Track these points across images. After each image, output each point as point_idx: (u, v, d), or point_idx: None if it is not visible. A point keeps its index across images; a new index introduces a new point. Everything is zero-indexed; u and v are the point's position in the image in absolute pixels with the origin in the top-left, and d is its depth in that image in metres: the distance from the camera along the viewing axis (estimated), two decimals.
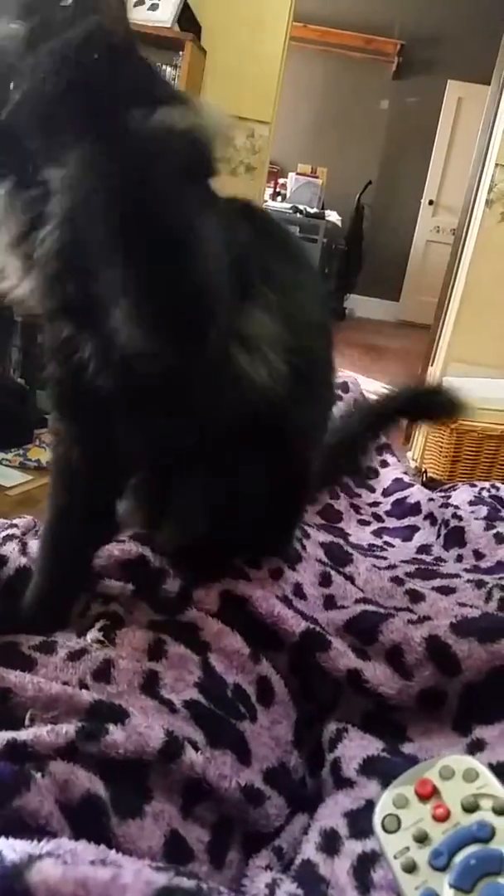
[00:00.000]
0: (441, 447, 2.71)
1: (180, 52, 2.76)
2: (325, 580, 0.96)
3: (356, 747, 0.72)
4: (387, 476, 1.61)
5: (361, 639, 0.82)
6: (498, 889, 0.44)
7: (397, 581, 0.99)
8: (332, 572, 0.97)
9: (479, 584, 0.96)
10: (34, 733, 0.59)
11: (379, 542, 1.31)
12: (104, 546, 0.86)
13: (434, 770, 0.52)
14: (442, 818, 0.49)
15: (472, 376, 3.02)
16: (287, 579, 0.90)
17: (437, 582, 1.00)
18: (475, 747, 0.69)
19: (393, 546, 1.30)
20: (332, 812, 0.66)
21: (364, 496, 1.51)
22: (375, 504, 1.50)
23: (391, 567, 1.07)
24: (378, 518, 1.44)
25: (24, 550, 0.88)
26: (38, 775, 0.57)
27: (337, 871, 0.58)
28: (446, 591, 0.97)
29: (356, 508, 1.44)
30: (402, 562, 1.13)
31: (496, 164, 2.95)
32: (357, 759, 0.70)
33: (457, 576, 1.03)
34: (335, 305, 7.05)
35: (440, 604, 0.90)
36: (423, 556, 1.23)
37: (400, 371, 5.18)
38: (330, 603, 0.92)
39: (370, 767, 0.69)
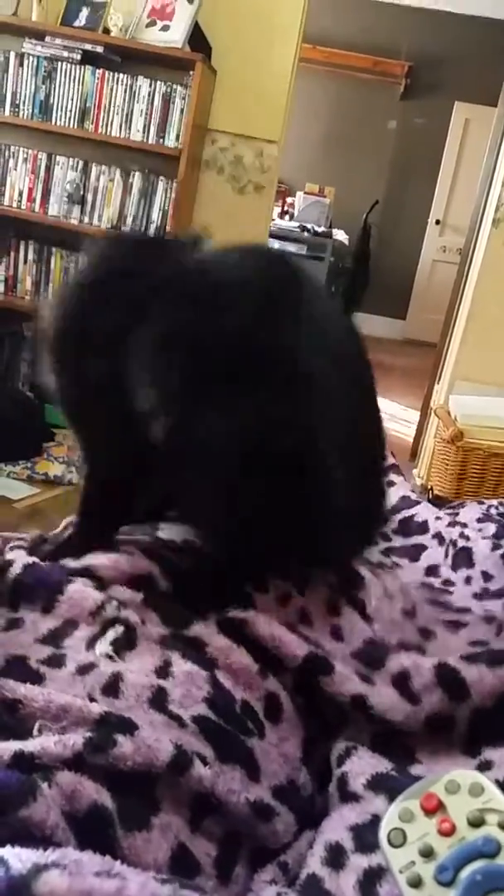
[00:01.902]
0: (447, 465, 2.71)
1: (191, 73, 2.80)
2: (332, 609, 0.94)
3: (364, 764, 0.72)
4: (393, 494, 1.61)
5: (367, 665, 0.82)
6: None
7: (408, 614, 0.98)
8: (342, 598, 0.96)
9: (489, 620, 0.96)
10: (41, 744, 0.59)
11: (388, 561, 1.31)
12: (113, 557, 0.87)
13: (440, 784, 0.52)
14: (448, 833, 0.49)
15: (479, 394, 3.03)
16: (293, 605, 0.90)
17: (448, 616, 1.00)
18: (483, 767, 0.69)
19: (401, 567, 1.29)
20: (338, 826, 0.66)
21: None
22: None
23: (403, 591, 1.07)
24: (385, 537, 1.44)
25: (30, 555, 0.89)
26: (45, 785, 0.57)
27: (342, 886, 0.58)
28: (457, 626, 0.96)
29: None
30: (413, 588, 1.13)
31: (503, 185, 2.97)
32: (364, 776, 0.70)
33: (468, 609, 1.02)
34: None
35: (450, 643, 0.90)
36: (433, 580, 1.23)
37: (406, 389, 5.19)
38: (336, 633, 0.91)
39: (377, 783, 0.69)
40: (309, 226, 6.28)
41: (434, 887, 0.47)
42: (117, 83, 2.86)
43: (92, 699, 0.69)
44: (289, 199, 6.89)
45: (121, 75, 2.84)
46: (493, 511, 1.45)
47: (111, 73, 2.85)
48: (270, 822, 0.68)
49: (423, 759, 0.74)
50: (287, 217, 6.70)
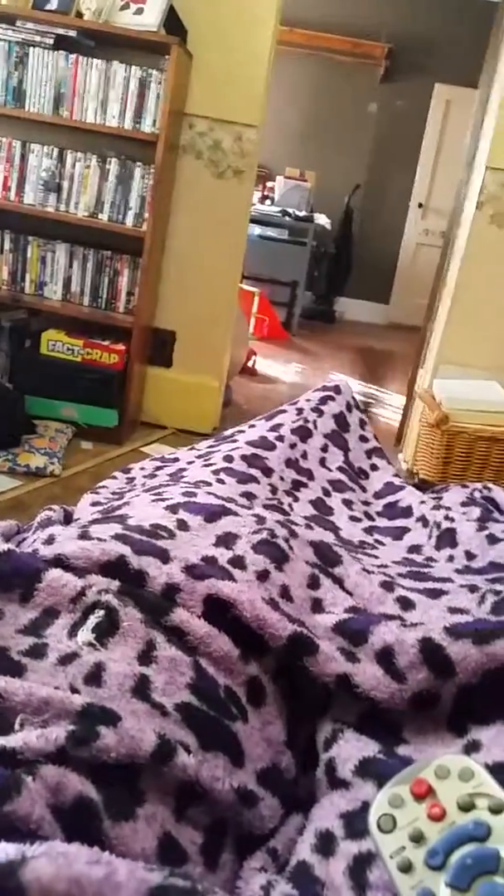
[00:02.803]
0: (432, 449, 2.71)
1: (166, 57, 2.76)
2: (313, 582, 0.94)
3: (351, 748, 0.71)
4: (377, 479, 1.61)
5: (351, 640, 0.81)
6: (495, 887, 0.44)
7: (387, 587, 0.98)
8: (321, 574, 0.96)
9: (472, 589, 0.95)
10: (23, 738, 0.58)
11: (370, 539, 1.30)
12: (83, 545, 0.85)
13: (429, 770, 0.51)
14: (438, 817, 0.48)
15: (463, 378, 3.03)
16: (274, 581, 0.89)
17: (429, 584, 0.99)
18: (471, 748, 0.69)
19: (384, 544, 1.29)
20: (328, 813, 0.66)
21: (357, 492, 1.51)
22: (367, 503, 1.50)
23: (382, 567, 1.07)
24: (369, 517, 1.44)
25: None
26: (29, 779, 0.56)
27: (332, 872, 0.58)
28: (437, 593, 0.96)
29: (348, 504, 1.44)
30: (394, 562, 1.13)
31: (486, 167, 2.96)
32: (352, 761, 0.69)
33: (448, 579, 1.02)
34: (325, 308, 7.07)
35: (432, 612, 0.90)
36: (414, 556, 1.23)
37: (391, 374, 5.19)
38: (318, 607, 0.91)
39: (365, 769, 0.68)
40: (290, 210, 6.25)
41: (424, 872, 0.46)
42: (92, 68, 2.81)
43: (74, 689, 0.68)
44: (269, 184, 6.85)
45: (95, 60, 2.80)
46: (476, 495, 1.45)
47: (85, 58, 2.80)
48: (255, 808, 0.67)
49: (410, 739, 0.74)
50: (268, 202, 6.67)
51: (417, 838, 0.47)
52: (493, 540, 1.18)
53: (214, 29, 2.94)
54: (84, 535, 0.89)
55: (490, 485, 1.50)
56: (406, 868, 0.47)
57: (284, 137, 6.92)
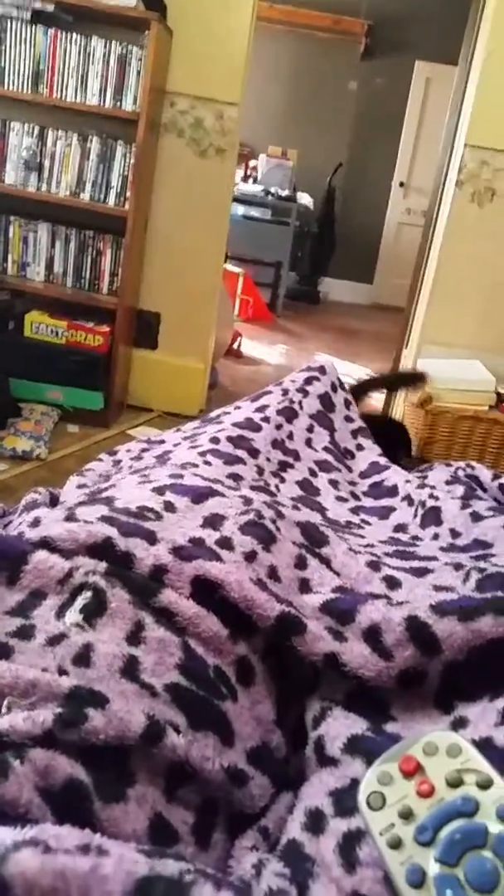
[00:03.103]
0: (416, 429, 2.72)
1: (146, 32, 2.72)
2: (300, 562, 0.95)
3: (340, 726, 0.72)
4: (363, 459, 1.61)
5: (338, 619, 0.81)
6: (483, 861, 0.44)
7: (374, 566, 0.98)
8: (308, 555, 0.96)
9: (457, 567, 0.96)
10: (10, 721, 0.58)
11: (356, 519, 1.31)
12: (69, 527, 0.85)
13: (418, 747, 0.51)
14: (426, 794, 0.48)
15: (447, 357, 3.04)
16: (261, 562, 0.89)
17: (415, 563, 1.00)
18: (458, 724, 0.69)
19: (370, 524, 1.30)
20: (317, 791, 0.66)
21: (343, 472, 1.51)
22: (353, 483, 1.50)
23: (368, 546, 1.07)
24: (355, 497, 1.44)
25: None
26: (17, 763, 0.56)
27: (322, 850, 0.58)
28: (423, 572, 0.96)
29: (334, 484, 1.44)
30: (380, 542, 1.13)
31: (466, 145, 2.95)
32: (341, 738, 0.70)
33: (434, 558, 1.03)
34: (309, 289, 7.05)
35: (417, 590, 0.90)
36: (400, 535, 1.23)
37: (375, 354, 5.19)
38: (305, 587, 0.91)
39: (354, 746, 0.68)
40: (273, 189, 6.21)
41: (414, 848, 0.47)
42: (71, 44, 2.77)
43: (63, 671, 0.68)
44: (252, 163, 6.80)
45: (74, 35, 2.76)
46: (460, 473, 1.45)
47: (64, 33, 2.76)
48: (245, 787, 0.68)
49: (398, 716, 0.74)
50: (251, 181, 6.62)
51: (406, 815, 0.48)
52: (476, 518, 1.19)
53: (194, 4, 2.90)
54: (70, 518, 0.89)
55: (473, 463, 1.50)
56: (395, 845, 0.47)
57: (266, 115, 6.87)
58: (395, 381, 2.90)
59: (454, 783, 0.48)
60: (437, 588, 0.90)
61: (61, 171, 2.91)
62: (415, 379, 2.65)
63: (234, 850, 0.65)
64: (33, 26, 2.77)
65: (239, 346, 4.69)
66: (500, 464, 2.71)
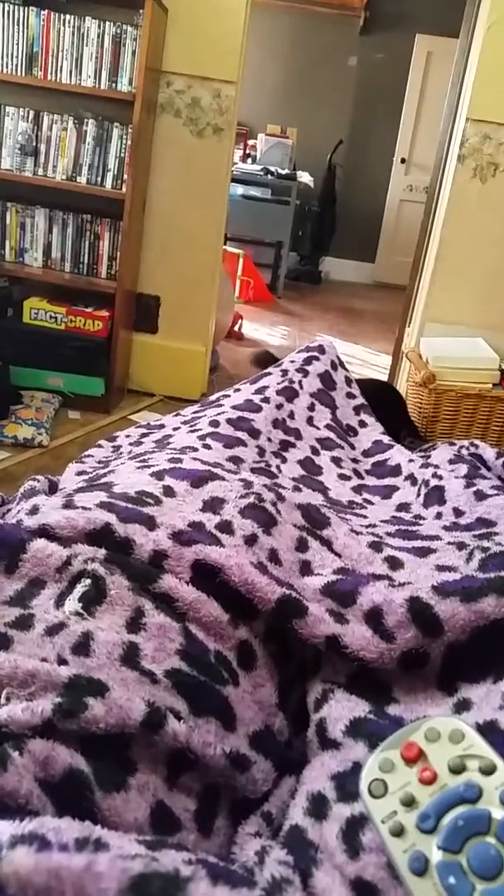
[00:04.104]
0: (420, 407, 2.70)
1: (140, 11, 2.68)
2: (301, 545, 0.94)
3: (342, 709, 0.71)
4: (366, 437, 1.60)
5: (339, 601, 0.81)
6: (486, 848, 0.44)
7: (376, 547, 0.97)
8: (309, 537, 0.95)
9: (460, 546, 0.95)
10: (9, 712, 0.58)
11: (359, 498, 1.30)
12: (68, 514, 0.84)
13: (420, 733, 0.51)
14: (429, 781, 0.48)
15: (450, 335, 3.01)
16: (262, 545, 0.88)
17: (417, 543, 0.99)
18: (462, 707, 0.69)
19: (373, 503, 1.29)
20: (319, 775, 0.65)
21: (346, 450, 1.50)
22: (356, 461, 1.49)
23: (370, 526, 1.06)
24: (358, 475, 1.43)
25: None
26: (16, 754, 0.55)
27: (326, 836, 0.58)
28: (426, 552, 0.95)
29: (337, 462, 1.43)
30: (382, 521, 1.12)
31: (467, 119, 2.91)
32: (343, 721, 0.69)
33: (437, 537, 1.02)
34: (310, 269, 7.00)
35: (420, 571, 0.89)
36: (403, 514, 1.22)
37: (378, 334, 5.16)
38: (306, 569, 0.91)
39: (356, 729, 0.68)
40: (272, 168, 6.15)
41: (416, 835, 0.46)
42: (64, 25, 2.73)
43: (62, 660, 0.67)
44: (250, 142, 6.74)
45: (67, 16, 2.72)
46: (464, 452, 1.44)
47: (57, 15, 2.72)
48: (248, 772, 0.67)
49: (401, 698, 0.74)
50: (250, 160, 6.56)
51: (409, 802, 0.47)
52: (480, 496, 1.18)
53: None
54: (69, 505, 0.88)
55: (477, 442, 1.49)
56: (398, 832, 0.46)
57: (264, 94, 6.79)
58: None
59: (457, 769, 0.47)
60: (440, 568, 0.89)
61: (57, 155, 2.88)
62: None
63: (238, 836, 0.64)
64: (25, 8, 2.73)
65: (240, 328, 4.66)
66: (503, 441, 2.69)
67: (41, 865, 0.42)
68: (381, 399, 1.76)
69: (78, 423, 2.84)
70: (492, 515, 1.11)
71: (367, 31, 6.83)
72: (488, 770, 0.47)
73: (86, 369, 2.92)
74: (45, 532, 0.82)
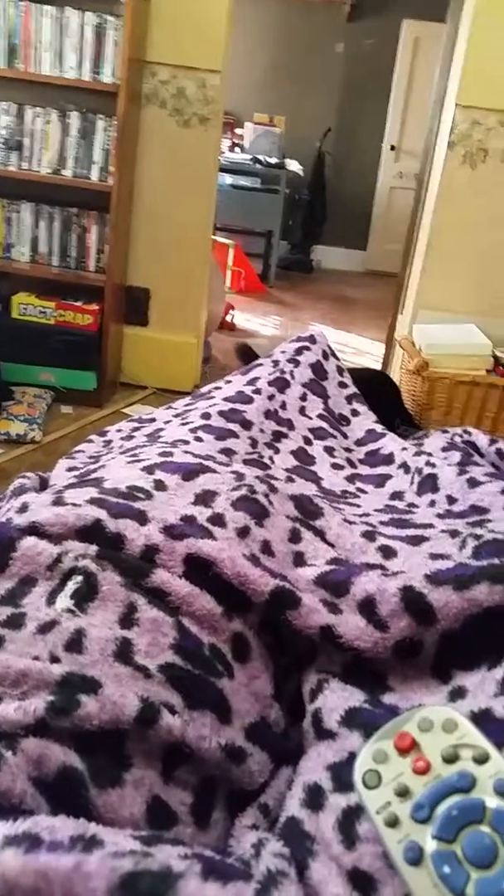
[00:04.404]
0: (414, 396, 2.70)
1: (121, 0, 2.66)
2: (294, 536, 0.93)
3: (337, 699, 0.71)
4: (359, 426, 1.60)
5: (333, 591, 0.80)
6: (480, 837, 0.44)
7: (369, 536, 0.97)
8: (302, 528, 0.95)
9: (453, 534, 0.95)
10: (1, 712, 0.57)
11: (352, 488, 1.30)
12: (58, 511, 0.83)
13: (412, 723, 0.50)
14: (422, 771, 0.48)
15: (442, 322, 3.00)
16: (254, 537, 0.88)
17: (411, 531, 0.99)
18: (456, 695, 0.69)
19: (366, 492, 1.29)
20: (316, 765, 0.65)
21: (339, 439, 1.50)
22: (349, 450, 1.49)
23: (364, 515, 1.06)
24: (351, 464, 1.43)
25: None
26: (10, 754, 0.55)
27: (322, 827, 0.57)
28: (419, 540, 0.95)
29: (329, 451, 1.43)
30: (376, 510, 1.12)
31: (456, 105, 2.89)
32: (338, 711, 0.69)
33: (430, 525, 1.01)
34: (301, 258, 6.98)
35: (413, 559, 0.89)
36: (396, 503, 1.22)
37: (370, 322, 5.15)
38: (300, 560, 0.90)
39: (351, 719, 0.68)
40: (261, 157, 6.12)
41: (411, 826, 0.46)
42: (44, 16, 2.70)
43: (55, 658, 0.67)
44: (238, 131, 6.70)
45: (46, 7, 2.69)
46: (457, 439, 1.44)
47: (36, 6, 2.69)
48: (244, 764, 0.67)
49: (396, 687, 0.74)
50: (238, 149, 6.52)
51: (403, 793, 0.47)
52: (473, 483, 1.18)
53: None
54: (58, 501, 0.87)
55: (470, 429, 1.49)
56: (392, 823, 0.46)
57: (251, 82, 6.75)
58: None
59: (450, 759, 0.47)
60: (434, 556, 0.89)
61: (42, 149, 2.86)
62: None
63: (235, 829, 0.64)
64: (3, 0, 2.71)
65: (232, 318, 4.65)
66: (498, 428, 2.69)
67: (29, 867, 0.42)
68: (375, 387, 1.76)
69: (71, 417, 2.83)
70: (485, 502, 1.11)
71: (355, 17, 6.79)
72: (481, 759, 0.46)
73: (77, 364, 2.91)
74: (35, 530, 0.81)
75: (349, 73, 6.93)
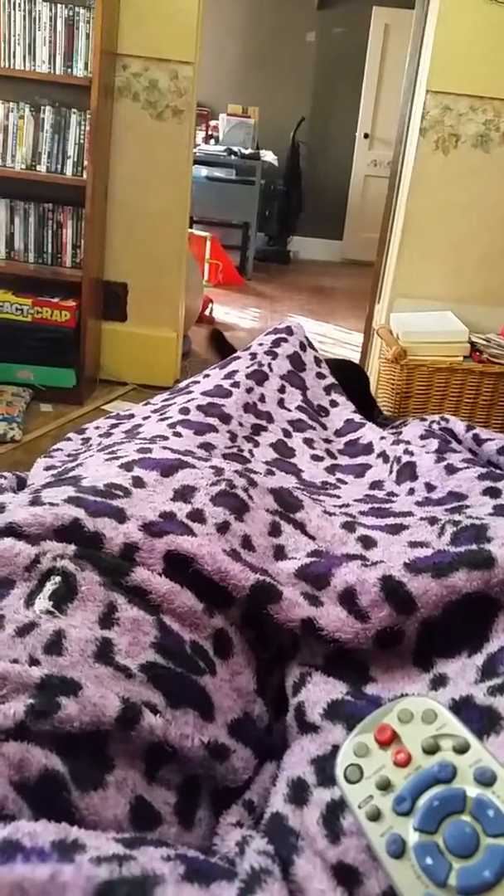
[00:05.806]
0: (392, 384, 2.70)
1: None
2: (274, 529, 0.93)
3: (320, 691, 0.71)
4: (337, 416, 1.60)
5: (313, 584, 0.80)
6: (461, 827, 0.44)
7: (349, 527, 0.97)
8: (282, 521, 0.95)
9: (432, 521, 0.95)
10: None
11: (332, 479, 1.30)
12: (35, 511, 0.82)
13: (392, 715, 0.50)
14: (403, 763, 0.48)
15: (419, 310, 3.01)
16: (234, 532, 0.88)
17: (390, 520, 0.99)
18: (438, 683, 0.69)
19: (346, 483, 1.29)
20: (299, 760, 0.65)
21: (318, 430, 1.50)
22: (328, 441, 1.49)
23: (344, 506, 1.06)
24: (331, 455, 1.43)
25: None
26: None
27: (306, 822, 0.57)
28: (398, 528, 0.95)
29: (309, 443, 1.42)
30: (355, 500, 1.12)
31: (427, 91, 2.89)
32: (321, 704, 0.69)
33: (409, 513, 1.01)
34: (279, 249, 6.97)
35: (393, 548, 0.89)
36: (376, 492, 1.22)
37: (349, 311, 5.15)
38: (280, 553, 0.90)
39: (334, 711, 0.68)
40: (235, 148, 6.10)
41: (393, 819, 0.46)
42: (14, 9, 2.68)
43: (34, 660, 0.66)
44: (212, 123, 6.67)
45: (17, 0, 2.67)
46: (434, 427, 1.44)
47: None
48: (228, 761, 0.67)
49: (378, 677, 0.74)
50: (212, 141, 6.50)
51: (384, 786, 0.47)
52: (451, 470, 1.18)
53: None
54: (35, 501, 0.86)
55: (447, 416, 1.49)
56: (374, 816, 0.46)
57: (224, 74, 6.73)
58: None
59: (431, 750, 0.47)
60: (413, 544, 0.89)
61: (15, 144, 2.84)
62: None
63: (219, 827, 0.64)
64: None
65: (211, 312, 4.63)
66: (476, 414, 2.70)
67: (3, 879, 0.41)
68: (344, 376, 1.75)
69: (50, 415, 2.82)
70: (463, 489, 1.12)
71: (325, 5, 6.77)
72: (461, 749, 0.46)
73: (55, 361, 2.89)
74: (11, 530, 0.80)
75: (321, 61, 6.92)
